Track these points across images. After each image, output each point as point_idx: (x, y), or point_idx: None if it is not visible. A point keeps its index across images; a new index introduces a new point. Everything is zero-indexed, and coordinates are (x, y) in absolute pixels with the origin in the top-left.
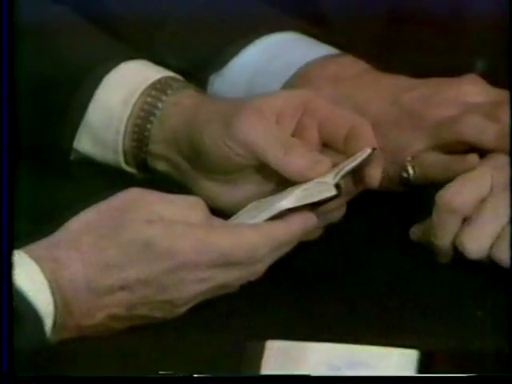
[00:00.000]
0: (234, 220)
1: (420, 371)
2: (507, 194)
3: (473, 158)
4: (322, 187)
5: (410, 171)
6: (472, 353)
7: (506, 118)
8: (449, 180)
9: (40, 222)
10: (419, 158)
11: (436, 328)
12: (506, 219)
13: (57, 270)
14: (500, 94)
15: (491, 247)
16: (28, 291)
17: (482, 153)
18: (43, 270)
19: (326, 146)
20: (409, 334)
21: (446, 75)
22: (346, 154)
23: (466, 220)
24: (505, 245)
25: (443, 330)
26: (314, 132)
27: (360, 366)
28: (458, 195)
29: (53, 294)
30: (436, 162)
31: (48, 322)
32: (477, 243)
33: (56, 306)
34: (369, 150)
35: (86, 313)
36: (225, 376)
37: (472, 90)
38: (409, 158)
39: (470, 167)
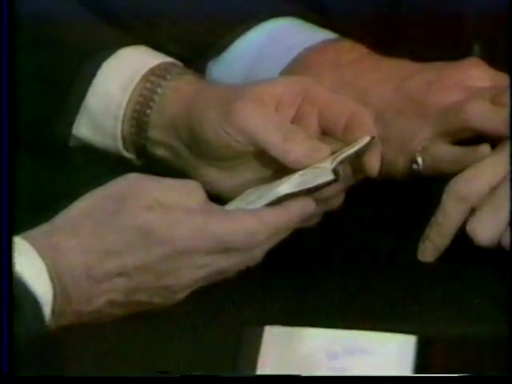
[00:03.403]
0: (231, 206)
1: (418, 357)
2: None
3: (485, 149)
4: (320, 172)
5: (420, 162)
6: (470, 339)
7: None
8: (459, 171)
9: (39, 209)
10: (429, 149)
11: (434, 314)
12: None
13: (56, 257)
14: (503, 78)
15: (501, 235)
16: (27, 278)
17: (488, 139)
18: (42, 256)
19: (325, 133)
20: (407, 320)
21: (443, 60)
22: (345, 141)
23: (473, 210)
24: None
25: (442, 315)
26: (313, 119)
27: (358, 352)
28: (469, 184)
29: (52, 280)
30: (447, 153)
31: (47, 309)
32: (487, 230)
33: (55, 293)
34: (368, 138)
35: (85, 299)
36: (225, 376)
37: (475, 73)
38: (419, 148)
39: (482, 158)
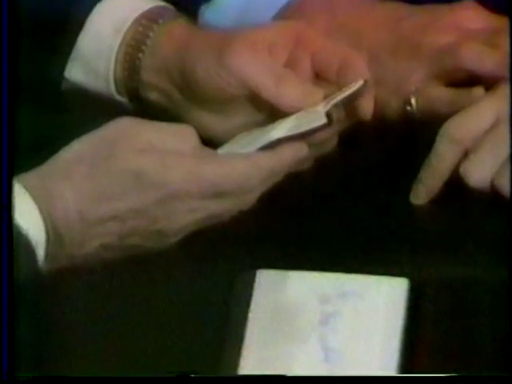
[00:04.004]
0: (223, 149)
1: (410, 300)
2: None
3: (478, 90)
4: (313, 116)
5: (414, 104)
6: (463, 282)
7: (505, 44)
8: (453, 113)
9: (31, 153)
10: (423, 91)
11: (427, 257)
12: (509, 149)
13: (49, 200)
14: (498, 20)
15: (494, 177)
16: (20, 221)
17: (483, 81)
18: (35, 199)
19: (318, 77)
20: (400, 263)
21: (438, 3)
22: (339, 85)
23: (467, 152)
24: (508, 175)
25: (434, 258)
26: (306, 63)
27: (350, 295)
28: (463, 126)
29: (45, 223)
30: (441, 94)
31: (40, 252)
32: (480, 172)
33: (48, 236)
34: (361, 82)
35: (78, 242)
36: (223, 376)
37: (470, 15)
38: (412, 89)
39: (476, 100)
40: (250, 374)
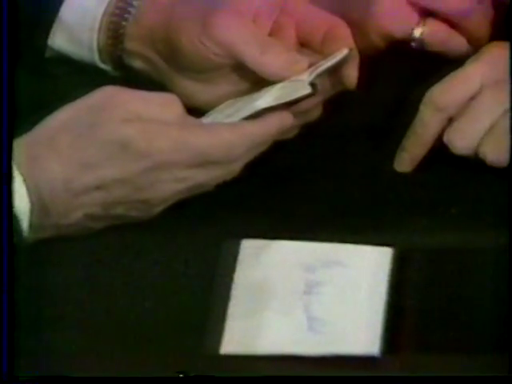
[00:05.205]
0: (208, 118)
1: (395, 269)
2: (497, 90)
3: None
4: (298, 86)
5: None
6: (447, 249)
7: None
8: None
9: (17, 122)
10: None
11: (411, 225)
12: (494, 116)
13: (33, 169)
14: None
15: (479, 144)
16: None
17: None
18: (19, 168)
19: (303, 46)
20: (384, 232)
21: None
22: (323, 54)
23: (451, 120)
24: (492, 142)
25: (418, 227)
26: (291, 32)
27: (335, 265)
28: (446, 94)
29: (29, 193)
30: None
31: (24, 222)
32: (465, 139)
33: (32, 205)
34: (346, 51)
35: (63, 212)
36: (220, 376)
37: None
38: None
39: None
40: (249, 375)
